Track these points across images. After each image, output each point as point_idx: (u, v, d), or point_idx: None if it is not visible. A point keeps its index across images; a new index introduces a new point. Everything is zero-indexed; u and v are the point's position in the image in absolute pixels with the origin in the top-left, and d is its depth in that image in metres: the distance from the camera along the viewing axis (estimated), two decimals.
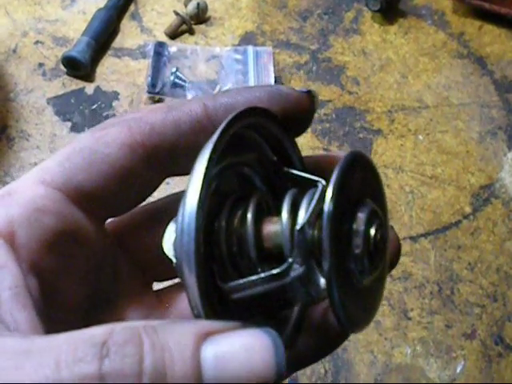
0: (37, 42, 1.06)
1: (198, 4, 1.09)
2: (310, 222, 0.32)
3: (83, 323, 0.36)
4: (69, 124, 0.96)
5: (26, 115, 0.96)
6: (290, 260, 0.32)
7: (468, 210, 0.92)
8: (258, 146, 0.37)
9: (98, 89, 1.00)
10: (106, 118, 0.97)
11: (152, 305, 0.40)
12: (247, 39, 1.09)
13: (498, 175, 0.95)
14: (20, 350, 0.26)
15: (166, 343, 0.26)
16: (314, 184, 0.35)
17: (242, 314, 0.33)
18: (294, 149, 0.38)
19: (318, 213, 0.32)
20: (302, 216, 0.33)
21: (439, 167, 0.95)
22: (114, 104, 0.99)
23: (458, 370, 0.78)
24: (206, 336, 0.27)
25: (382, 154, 0.96)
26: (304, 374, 0.77)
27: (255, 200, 0.35)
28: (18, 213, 0.33)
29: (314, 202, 0.33)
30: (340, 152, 0.40)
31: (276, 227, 0.34)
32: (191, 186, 0.30)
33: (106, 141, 0.35)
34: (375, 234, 0.32)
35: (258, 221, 0.34)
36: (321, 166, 0.39)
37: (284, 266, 0.32)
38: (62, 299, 0.35)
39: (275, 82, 1.01)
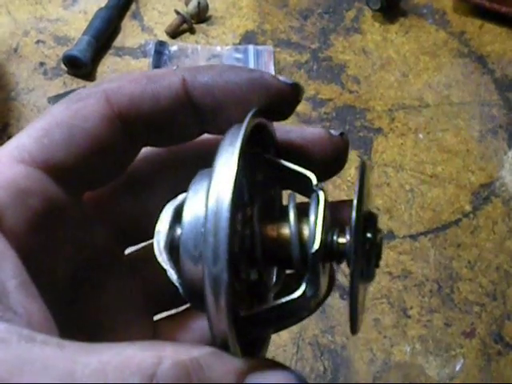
0: (38, 42, 1.06)
1: (199, 3, 1.09)
2: (321, 239, 0.32)
3: (66, 304, 0.36)
4: None
5: (27, 114, 0.97)
6: (305, 284, 0.32)
7: (468, 208, 0.91)
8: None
9: None
10: None
11: (125, 274, 0.40)
12: (248, 38, 1.09)
13: (499, 174, 0.95)
14: (63, 370, 0.25)
15: (211, 380, 0.27)
16: (303, 178, 0.35)
17: (249, 331, 0.33)
18: (270, 134, 0.37)
19: (325, 220, 0.33)
20: (312, 231, 0.33)
21: (439, 166, 0.95)
22: None
23: (458, 368, 0.78)
24: (245, 373, 0.28)
25: (383, 153, 0.96)
26: (303, 372, 0.77)
27: (259, 203, 0.35)
28: (2, 195, 0.32)
29: (320, 216, 0.33)
30: (306, 129, 0.39)
31: (283, 234, 0.34)
32: (216, 202, 0.28)
33: (85, 114, 0.34)
34: (380, 242, 0.34)
35: (262, 224, 0.34)
36: (294, 150, 0.38)
37: (301, 291, 0.32)
38: (47, 281, 0.34)
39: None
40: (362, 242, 0.32)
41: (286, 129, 0.39)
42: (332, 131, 0.39)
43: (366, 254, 0.33)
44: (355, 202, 0.31)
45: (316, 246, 0.32)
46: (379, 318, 0.82)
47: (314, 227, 0.32)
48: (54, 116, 0.34)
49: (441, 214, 0.91)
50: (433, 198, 0.92)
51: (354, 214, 0.31)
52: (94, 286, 0.38)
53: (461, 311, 0.82)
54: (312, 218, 0.33)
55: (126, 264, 0.40)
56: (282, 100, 0.36)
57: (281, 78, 0.36)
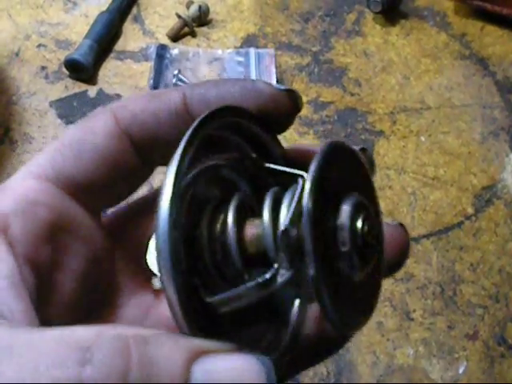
0: (39, 46, 1.06)
1: (200, 6, 1.09)
2: (293, 222, 0.30)
3: (80, 322, 0.36)
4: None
5: (29, 118, 0.97)
6: (276, 265, 0.30)
7: (470, 210, 0.91)
8: (235, 145, 0.35)
9: (100, 91, 1.01)
10: None
11: (149, 303, 0.39)
12: (249, 41, 1.09)
13: (500, 176, 0.95)
14: (3, 345, 0.25)
15: (156, 357, 0.25)
16: (297, 178, 0.33)
17: (231, 327, 0.32)
18: (274, 144, 0.36)
19: (300, 210, 0.30)
20: (284, 216, 0.31)
21: (441, 168, 0.95)
22: None
23: (461, 371, 0.78)
24: (198, 354, 0.26)
25: (384, 156, 0.96)
26: (306, 376, 0.77)
27: (235, 203, 0.33)
28: (12, 207, 0.33)
29: (295, 198, 0.30)
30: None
31: (258, 230, 0.32)
32: (161, 202, 0.29)
33: (94, 130, 0.35)
34: (362, 227, 0.30)
35: (240, 224, 0.33)
36: (303, 160, 0.37)
37: (270, 273, 0.30)
38: (60, 296, 0.34)
39: (277, 83, 1.01)
40: (326, 232, 0.29)
41: (304, 145, 0.38)
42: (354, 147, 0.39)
43: (334, 244, 0.30)
44: (311, 174, 0.29)
45: (284, 222, 0.30)
46: (382, 320, 0.81)
47: (287, 210, 0.31)
48: (67, 134, 0.35)
49: (443, 217, 0.90)
50: (435, 200, 0.92)
51: (306, 196, 0.29)
52: (111, 312, 0.38)
53: (464, 314, 0.82)
54: (286, 202, 0.31)
55: (150, 294, 0.39)
56: (277, 106, 0.36)
57: (275, 85, 0.36)
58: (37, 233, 0.33)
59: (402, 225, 0.38)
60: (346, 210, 0.30)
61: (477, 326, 0.81)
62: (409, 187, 0.93)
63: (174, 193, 0.29)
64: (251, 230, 0.32)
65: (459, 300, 0.83)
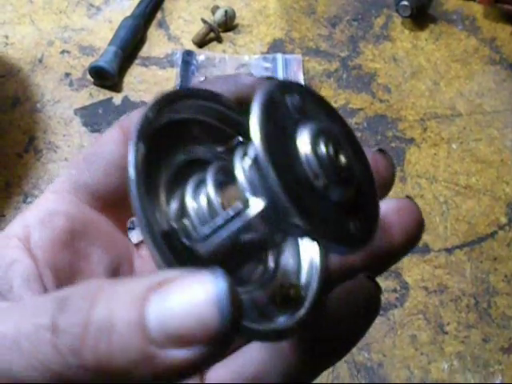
0: (63, 52, 1.05)
1: (226, 11, 1.07)
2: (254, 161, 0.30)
3: None
4: (97, 135, 0.94)
5: (54, 126, 0.95)
6: (247, 195, 0.30)
7: (504, 220, 0.90)
8: (208, 124, 0.36)
9: (125, 99, 0.99)
10: None
11: None
12: (276, 47, 1.08)
13: None
14: (2, 307, 0.29)
15: (118, 293, 0.27)
16: None
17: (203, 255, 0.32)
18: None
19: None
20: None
21: (473, 177, 0.94)
22: None
23: None
24: (157, 286, 0.27)
25: (416, 164, 0.95)
26: None
27: (213, 169, 0.33)
28: (32, 217, 0.36)
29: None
30: None
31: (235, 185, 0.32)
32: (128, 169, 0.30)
33: (102, 141, 0.38)
34: (327, 150, 0.29)
35: (223, 187, 0.33)
36: None
37: (241, 203, 0.30)
38: None
39: None
40: (290, 163, 0.28)
41: None
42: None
43: (300, 173, 0.29)
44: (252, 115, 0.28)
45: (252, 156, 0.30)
46: (416, 334, 0.80)
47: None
48: (84, 151, 0.41)
49: (476, 227, 0.89)
50: (468, 210, 0.90)
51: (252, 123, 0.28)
52: None
53: (498, 326, 0.81)
54: None
55: None
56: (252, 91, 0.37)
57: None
58: (54, 239, 0.35)
59: (409, 197, 0.38)
60: (303, 135, 0.29)
61: None
62: (441, 196, 0.91)
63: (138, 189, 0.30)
64: (231, 189, 0.32)
65: (494, 312, 0.82)
